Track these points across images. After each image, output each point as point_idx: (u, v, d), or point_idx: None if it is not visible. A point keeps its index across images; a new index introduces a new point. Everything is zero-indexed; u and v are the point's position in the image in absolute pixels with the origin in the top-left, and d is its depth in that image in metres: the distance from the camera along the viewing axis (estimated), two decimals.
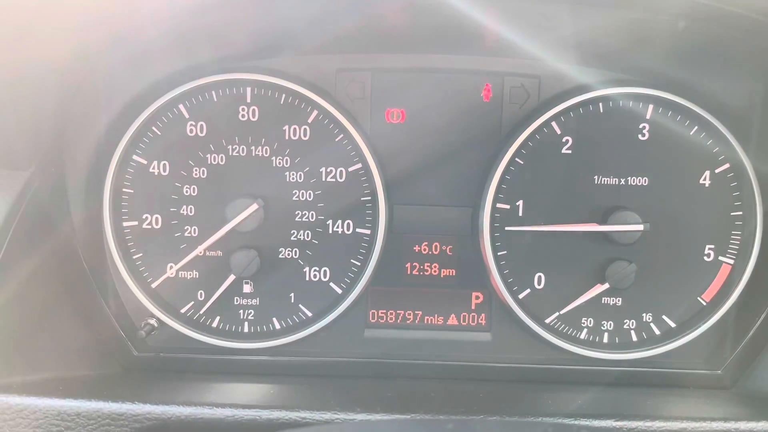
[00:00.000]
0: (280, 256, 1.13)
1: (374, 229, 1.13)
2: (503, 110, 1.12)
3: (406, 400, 1.02)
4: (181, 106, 1.10)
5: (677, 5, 0.90)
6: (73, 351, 1.06)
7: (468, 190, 1.13)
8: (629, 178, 1.11)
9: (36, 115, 1.01)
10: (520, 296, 1.14)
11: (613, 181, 1.11)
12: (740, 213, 1.11)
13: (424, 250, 1.15)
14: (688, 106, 1.09)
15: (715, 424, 0.89)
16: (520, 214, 1.12)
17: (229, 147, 1.10)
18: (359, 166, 1.11)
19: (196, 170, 1.11)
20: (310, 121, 1.10)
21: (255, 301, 1.14)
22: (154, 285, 1.13)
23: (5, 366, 0.93)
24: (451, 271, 1.16)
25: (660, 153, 1.10)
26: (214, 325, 1.15)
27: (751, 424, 0.89)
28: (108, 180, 1.10)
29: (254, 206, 1.09)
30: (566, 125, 1.10)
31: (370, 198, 1.12)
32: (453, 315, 1.16)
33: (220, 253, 1.12)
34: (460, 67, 1.11)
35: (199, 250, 1.11)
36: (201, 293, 1.14)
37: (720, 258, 1.12)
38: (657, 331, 1.14)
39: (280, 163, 1.11)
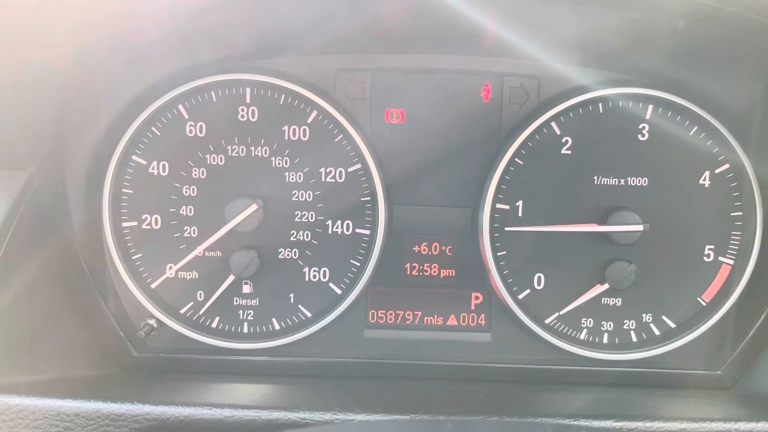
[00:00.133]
0: (280, 256, 1.13)
1: (374, 229, 1.13)
2: (503, 111, 1.12)
3: (406, 401, 1.02)
4: (180, 107, 1.10)
5: (677, 5, 0.90)
6: (72, 351, 1.06)
7: (468, 191, 1.13)
8: (629, 178, 1.11)
9: (36, 115, 1.01)
10: (520, 297, 1.14)
11: (613, 181, 1.11)
12: (740, 213, 1.11)
13: (424, 250, 1.15)
14: (688, 107, 1.09)
15: (714, 425, 0.89)
16: (520, 214, 1.12)
17: (229, 147, 1.10)
18: (359, 166, 1.11)
19: (195, 171, 1.11)
20: (309, 121, 1.10)
21: (254, 302, 1.14)
22: (153, 285, 1.13)
23: (5, 366, 0.93)
24: (450, 271, 1.16)
25: (660, 153, 1.10)
26: (214, 325, 1.15)
27: (751, 425, 0.89)
28: (107, 180, 1.10)
29: (254, 206, 1.09)
30: (566, 126, 1.10)
31: (369, 198, 1.12)
32: (453, 315, 1.16)
33: (219, 253, 1.12)
34: (460, 67, 1.11)
35: (199, 250, 1.11)
36: (200, 294, 1.14)
37: (720, 258, 1.12)
38: (657, 332, 1.14)
39: (279, 163, 1.11)
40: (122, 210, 1.12)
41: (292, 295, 1.14)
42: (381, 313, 1.16)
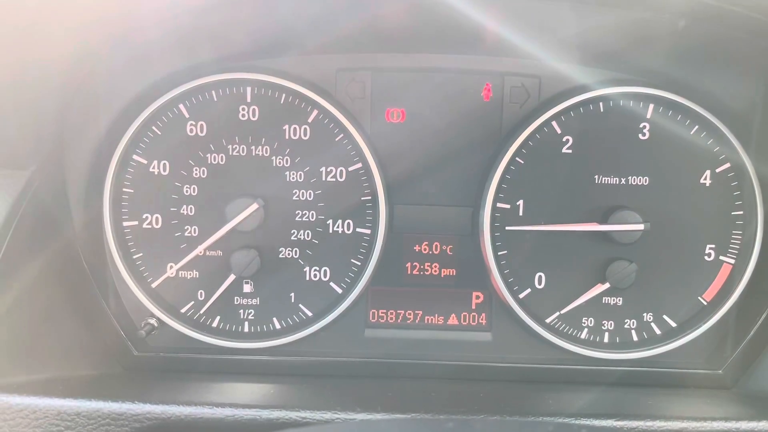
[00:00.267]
0: (281, 255, 1.13)
1: (374, 228, 1.13)
2: (503, 110, 1.12)
3: (407, 400, 1.02)
4: (181, 106, 1.10)
5: (678, 4, 0.90)
6: (73, 351, 1.06)
7: (468, 190, 1.13)
8: (630, 177, 1.11)
9: (37, 114, 1.01)
10: (521, 296, 1.14)
11: (614, 180, 1.11)
12: (741, 212, 1.11)
13: (425, 249, 1.15)
14: (689, 106, 1.09)
15: (715, 424, 0.89)
16: (521, 213, 1.12)
17: (229, 147, 1.10)
18: (359, 165, 1.11)
19: (196, 170, 1.11)
20: (310, 120, 1.10)
21: (255, 301, 1.14)
22: (154, 285, 1.13)
23: (6, 366, 0.93)
24: (451, 270, 1.16)
25: (660, 152, 1.10)
26: (215, 324, 1.15)
27: (752, 424, 0.89)
28: (108, 180, 1.10)
29: (254, 206, 1.09)
30: (567, 125, 1.10)
31: (370, 198, 1.12)
32: (453, 315, 1.16)
33: (220, 252, 1.12)
34: (461, 66, 1.11)
35: (200, 249, 1.11)
36: (201, 293, 1.14)
37: (721, 258, 1.12)
38: (658, 331, 1.14)
39: (280, 162, 1.11)
40: (123, 209, 1.12)
41: (292, 294, 1.14)
42: (382, 313, 1.16)
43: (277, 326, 1.15)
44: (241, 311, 1.14)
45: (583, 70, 1.09)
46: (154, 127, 1.10)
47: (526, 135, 1.09)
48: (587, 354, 1.14)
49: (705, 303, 1.14)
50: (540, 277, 1.13)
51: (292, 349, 1.14)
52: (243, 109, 1.10)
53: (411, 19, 1.02)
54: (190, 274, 1.13)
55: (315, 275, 1.14)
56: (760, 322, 1.11)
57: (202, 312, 1.14)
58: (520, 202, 1.12)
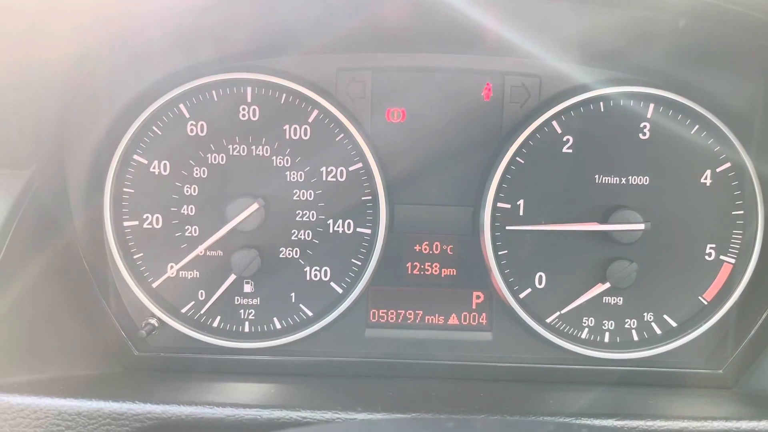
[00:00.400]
0: (281, 255, 1.13)
1: (375, 228, 1.13)
2: (504, 109, 1.12)
3: (407, 400, 1.02)
4: (181, 106, 1.10)
5: (678, 3, 0.90)
6: (73, 351, 1.06)
7: (469, 190, 1.13)
8: (630, 177, 1.11)
9: (38, 114, 1.01)
10: (521, 296, 1.14)
11: (614, 180, 1.11)
12: (741, 212, 1.11)
13: (425, 249, 1.15)
14: (689, 105, 1.09)
15: (716, 424, 0.89)
16: (521, 213, 1.12)
17: (230, 146, 1.10)
18: (360, 165, 1.11)
19: (196, 170, 1.11)
20: (310, 120, 1.10)
21: (256, 301, 1.14)
22: (154, 285, 1.13)
23: (7, 365, 0.93)
24: (451, 270, 1.16)
25: (661, 152, 1.10)
26: (215, 324, 1.15)
27: (753, 424, 0.89)
28: (109, 180, 1.10)
29: (255, 206, 1.09)
30: (567, 124, 1.10)
31: (370, 197, 1.12)
32: (454, 314, 1.16)
33: (220, 252, 1.12)
34: (461, 66, 1.11)
35: (200, 249, 1.11)
36: (202, 293, 1.14)
37: (721, 257, 1.12)
38: (658, 331, 1.14)
39: (280, 162, 1.11)
40: (123, 209, 1.12)
41: (293, 294, 1.14)
42: (382, 313, 1.16)
43: (278, 326, 1.15)
44: (242, 311, 1.14)
45: (584, 69, 1.09)
46: (154, 127, 1.10)
47: (527, 134, 1.09)
48: (588, 354, 1.14)
49: (705, 303, 1.14)
50: (540, 276, 1.13)
51: (293, 349, 1.14)
52: (243, 109, 1.10)
53: (411, 19, 1.02)
54: (191, 274, 1.13)
55: (315, 275, 1.14)
56: (760, 321, 1.11)
57: (202, 312, 1.14)
58: (521, 202, 1.12)
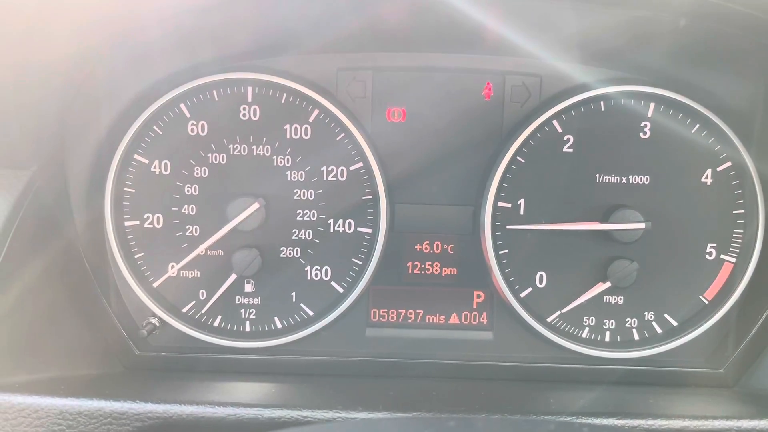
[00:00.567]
0: (282, 255, 1.13)
1: (375, 228, 1.13)
2: (504, 109, 1.12)
3: (408, 399, 1.02)
4: (182, 106, 1.10)
5: (679, 3, 0.90)
6: (74, 350, 1.06)
7: (469, 189, 1.13)
8: (631, 176, 1.11)
9: (38, 115, 1.01)
10: (522, 295, 1.14)
11: (615, 179, 1.11)
12: (742, 211, 1.11)
13: (426, 249, 1.15)
14: (690, 105, 1.09)
15: (717, 423, 0.89)
16: (522, 212, 1.12)
17: (231, 146, 1.10)
18: (360, 165, 1.11)
19: (197, 169, 1.11)
20: (311, 120, 1.10)
21: (256, 300, 1.14)
22: (155, 284, 1.13)
23: (8, 365, 0.93)
24: (452, 270, 1.16)
25: (661, 151, 1.10)
26: (216, 324, 1.15)
27: (753, 423, 0.89)
28: (110, 180, 1.10)
29: (255, 205, 1.09)
30: (567, 124, 1.10)
31: (371, 197, 1.12)
32: (454, 314, 1.16)
33: (221, 252, 1.12)
34: (461, 66, 1.11)
35: (201, 249, 1.11)
36: (202, 292, 1.14)
37: (722, 256, 1.12)
38: (659, 330, 1.14)
39: (281, 162, 1.11)
40: (124, 209, 1.12)
41: (293, 293, 1.14)
42: (383, 312, 1.16)
43: (279, 326, 1.15)
44: (243, 310, 1.14)
45: (584, 69, 1.09)
46: (155, 127, 1.10)
47: (527, 134, 1.09)
48: (588, 353, 1.14)
49: (706, 302, 1.14)
50: (541, 276, 1.13)
51: (294, 349, 1.14)
52: (244, 109, 1.10)
53: (412, 19, 1.02)
54: (192, 274, 1.13)
55: (316, 274, 1.14)
56: (761, 321, 1.10)
57: (203, 311, 1.14)
58: (521, 201, 1.12)
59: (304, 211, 1.12)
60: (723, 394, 1.10)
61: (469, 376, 1.14)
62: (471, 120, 1.12)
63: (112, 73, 1.06)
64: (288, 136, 1.10)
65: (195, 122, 1.10)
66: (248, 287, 1.14)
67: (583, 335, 1.15)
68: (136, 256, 1.13)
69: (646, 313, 1.14)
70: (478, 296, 1.16)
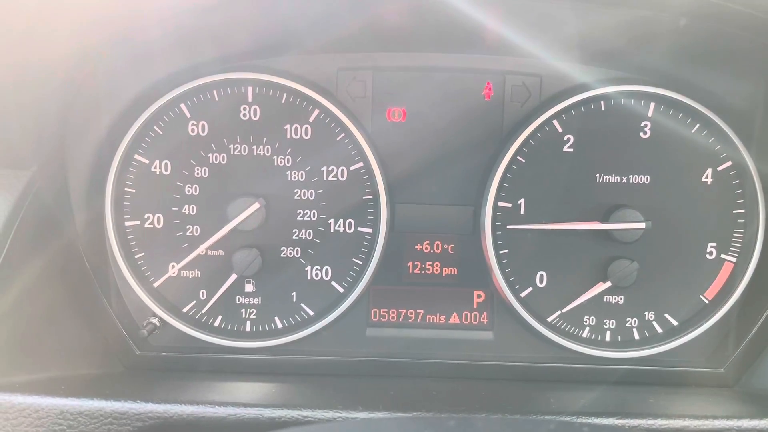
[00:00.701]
0: (282, 255, 1.13)
1: (376, 227, 1.13)
2: (504, 109, 1.12)
3: (408, 399, 1.02)
4: (182, 106, 1.10)
5: (679, 3, 0.90)
6: (75, 350, 1.06)
7: (469, 189, 1.13)
8: (631, 176, 1.11)
9: (39, 115, 1.01)
10: (522, 295, 1.14)
11: (615, 179, 1.11)
12: (742, 211, 1.11)
13: (426, 248, 1.15)
14: (690, 104, 1.09)
15: (717, 422, 0.89)
16: (522, 212, 1.12)
17: (231, 146, 1.10)
18: (361, 165, 1.11)
19: (197, 169, 1.11)
20: (311, 120, 1.10)
21: (257, 300, 1.14)
22: (156, 284, 1.13)
23: (8, 365, 0.93)
24: (452, 269, 1.16)
25: (662, 151, 1.10)
26: (216, 324, 1.15)
27: (754, 422, 0.89)
28: (110, 180, 1.10)
29: (256, 205, 1.09)
30: (568, 124, 1.10)
31: (371, 197, 1.12)
32: (455, 314, 1.16)
33: (221, 252, 1.12)
34: (462, 65, 1.11)
35: (201, 249, 1.11)
36: (203, 292, 1.14)
37: (722, 256, 1.12)
38: (659, 330, 1.14)
39: (281, 162, 1.11)
40: (125, 209, 1.12)
41: (294, 293, 1.14)
42: (383, 312, 1.16)
43: (279, 325, 1.15)
44: (243, 310, 1.14)
45: (584, 68, 1.10)
46: (155, 127, 1.10)
47: (527, 134, 1.09)
48: (589, 353, 1.14)
49: (706, 301, 1.14)
50: (541, 275, 1.13)
51: (294, 349, 1.14)
52: (244, 109, 1.10)
53: (412, 19, 1.02)
54: (192, 274, 1.13)
55: (316, 274, 1.14)
56: (761, 320, 1.10)
57: (203, 311, 1.14)
58: (522, 201, 1.12)
59: (305, 211, 1.12)
60: (723, 394, 1.10)
61: (470, 376, 1.14)
62: (471, 120, 1.12)
63: (112, 73, 1.06)
64: (288, 136, 1.10)
65: (195, 122, 1.10)
66: (249, 287, 1.14)
67: (584, 335, 1.15)
68: (136, 256, 1.13)
69: (646, 313, 1.14)
70: (479, 296, 1.16)
